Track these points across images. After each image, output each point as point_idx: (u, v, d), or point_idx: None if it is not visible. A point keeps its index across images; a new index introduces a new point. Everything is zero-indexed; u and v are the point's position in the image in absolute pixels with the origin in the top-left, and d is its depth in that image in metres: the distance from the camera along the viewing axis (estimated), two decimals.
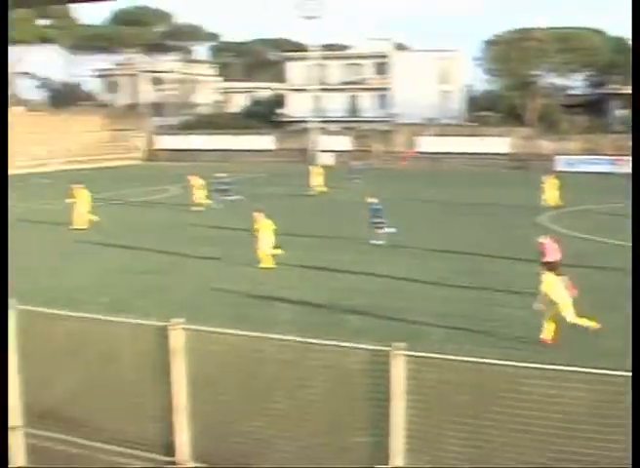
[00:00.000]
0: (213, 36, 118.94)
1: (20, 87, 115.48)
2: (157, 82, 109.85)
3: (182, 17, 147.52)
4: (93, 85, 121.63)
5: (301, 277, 24.23)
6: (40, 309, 9.98)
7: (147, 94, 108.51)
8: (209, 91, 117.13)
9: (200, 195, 41.68)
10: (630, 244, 7.48)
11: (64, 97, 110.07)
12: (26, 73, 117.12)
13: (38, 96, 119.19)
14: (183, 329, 8.95)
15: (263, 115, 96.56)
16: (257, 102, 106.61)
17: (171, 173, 68.38)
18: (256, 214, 26.53)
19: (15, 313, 9.84)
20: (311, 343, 8.57)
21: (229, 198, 42.76)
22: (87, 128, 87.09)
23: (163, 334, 8.95)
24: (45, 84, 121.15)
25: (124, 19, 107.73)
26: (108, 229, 34.31)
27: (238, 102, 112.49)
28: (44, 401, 9.96)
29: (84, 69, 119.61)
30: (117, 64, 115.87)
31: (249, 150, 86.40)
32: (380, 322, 18.29)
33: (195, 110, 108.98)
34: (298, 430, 8.66)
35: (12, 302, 9.84)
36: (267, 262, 25.58)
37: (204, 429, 9.04)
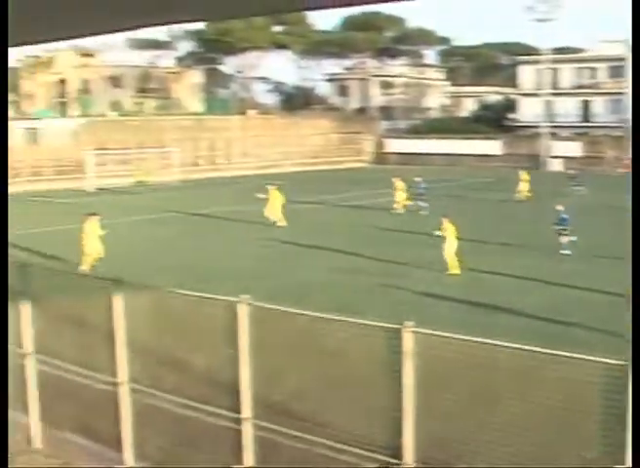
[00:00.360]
0: (444, 40, 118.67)
1: (254, 91, 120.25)
2: (386, 86, 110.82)
3: (414, 21, 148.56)
4: (323, 89, 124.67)
5: (498, 284, 24.19)
6: (270, 306, 10.21)
7: (377, 97, 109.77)
8: (437, 95, 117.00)
9: (401, 198, 42.44)
10: None
11: (296, 101, 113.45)
12: (261, 78, 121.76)
13: (271, 99, 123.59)
14: (413, 332, 8.89)
15: (492, 119, 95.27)
16: (485, 107, 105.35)
17: (396, 175, 68.71)
18: (443, 220, 26.69)
19: (247, 308, 10.16)
20: (548, 354, 8.24)
21: (422, 204, 42.74)
22: (317, 131, 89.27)
23: (394, 336, 8.93)
24: (277, 88, 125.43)
25: (355, 24, 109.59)
26: (301, 229, 36.00)
27: (466, 106, 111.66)
28: (273, 395, 10.22)
29: (315, 74, 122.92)
30: (347, 69, 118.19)
31: (475, 155, 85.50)
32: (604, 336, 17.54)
33: (424, 114, 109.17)
34: (519, 439, 8.39)
35: (245, 298, 10.17)
36: (454, 268, 25.69)
37: (427, 432, 8.95)
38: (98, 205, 43.75)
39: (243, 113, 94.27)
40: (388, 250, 30.08)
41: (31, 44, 11.45)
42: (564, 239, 29.06)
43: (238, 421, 10.41)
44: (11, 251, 29.79)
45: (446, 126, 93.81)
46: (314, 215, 42.20)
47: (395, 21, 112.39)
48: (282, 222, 37.14)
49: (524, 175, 49.75)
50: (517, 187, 49.20)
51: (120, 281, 11.61)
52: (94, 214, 27.44)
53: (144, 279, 12.55)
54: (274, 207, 37.81)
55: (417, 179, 43.59)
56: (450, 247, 25.92)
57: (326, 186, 56.32)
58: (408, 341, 8.85)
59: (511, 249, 30.60)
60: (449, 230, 26.08)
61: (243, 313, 10.12)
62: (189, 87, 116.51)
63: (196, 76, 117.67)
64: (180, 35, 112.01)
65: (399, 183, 42.90)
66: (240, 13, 9.83)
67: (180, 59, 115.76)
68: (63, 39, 9.34)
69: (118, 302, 11.56)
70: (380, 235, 34.50)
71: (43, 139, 75.22)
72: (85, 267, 25.41)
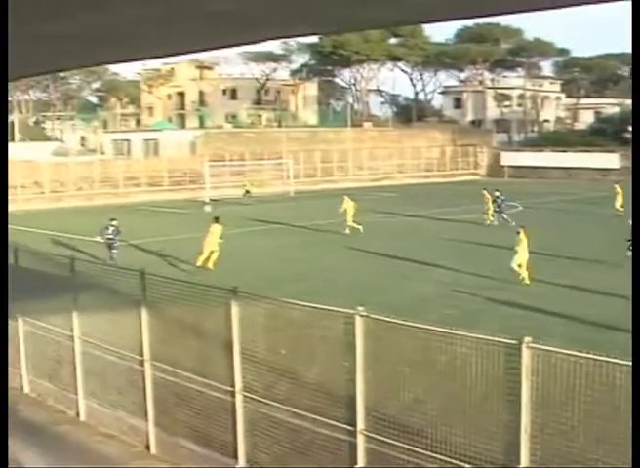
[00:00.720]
0: (562, 52, 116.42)
1: (369, 103, 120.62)
2: (502, 98, 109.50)
3: (532, 32, 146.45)
4: (438, 101, 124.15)
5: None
6: (385, 318, 10.18)
7: (492, 110, 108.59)
8: (553, 107, 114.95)
9: (489, 210, 42.80)
10: None
11: (410, 113, 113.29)
12: (376, 90, 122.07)
13: (385, 111, 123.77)
14: (529, 347, 8.73)
15: (610, 132, 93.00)
16: (603, 119, 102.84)
17: (510, 189, 67.77)
18: (520, 231, 26.89)
19: (362, 320, 10.16)
20: None
21: (503, 215, 42.61)
22: (431, 143, 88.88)
23: (511, 352, 8.80)
24: (392, 100, 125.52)
25: (470, 36, 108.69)
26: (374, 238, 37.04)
27: (584, 119, 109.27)
28: (387, 407, 10.19)
29: (430, 86, 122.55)
30: (462, 81, 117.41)
31: (593, 168, 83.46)
32: None
33: (540, 127, 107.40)
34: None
35: (359, 310, 10.18)
36: (524, 278, 25.98)
37: (545, 449, 8.77)
38: (212, 215, 44.44)
39: (358, 125, 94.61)
40: (482, 262, 29.75)
41: (150, 59, 11.83)
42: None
43: (351, 433, 10.41)
44: (142, 255, 30.84)
45: (562, 138, 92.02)
46: (419, 228, 41.96)
47: (512, 33, 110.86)
48: (355, 230, 38.64)
49: (618, 190, 48.62)
50: (618, 202, 48.07)
51: (236, 291, 11.77)
52: (217, 221, 30.06)
53: (254, 289, 12.66)
54: (350, 216, 39.52)
55: (496, 194, 43.46)
56: (520, 257, 26.12)
57: (436, 199, 55.92)
58: (528, 358, 8.70)
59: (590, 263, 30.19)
60: (522, 241, 26.25)
61: (359, 325, 10.13)
62: (304, 99, 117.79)
63: (311, 88, 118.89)
64: (295, 48, 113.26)
65: (488, 196, 43.27)
66: (357, 26, 9.87)
67: (295, 72, 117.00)
68: (181, 53, 9.54)
69: (235, 311, 11.73)
70: (476, 249, 34.08)
71: (162, 151, 77.13)
72: (201, 264, 28.75)
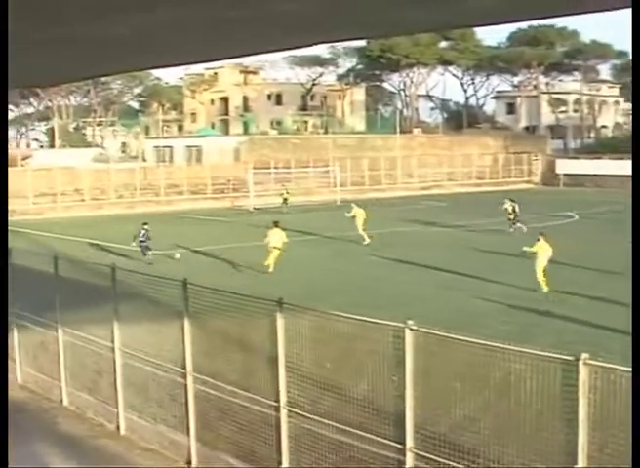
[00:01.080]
0: (621, 54, 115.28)
1: (419, 109, 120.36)
2: (557, 103, 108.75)
3: (589, 34, 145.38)
4: (490, 107, 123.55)
5: None
6: (436, 331, 10.13)
7: (547, 115, 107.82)
8: (611, 112, 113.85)
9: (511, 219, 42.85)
10: None
11: (461, 119, 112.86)
12: (425, 95, 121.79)
13: (435, 117, 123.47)
14: (587, 364, 8.65)
15: None
16: None
17: (565, 198, 67.26)
18: (540, 238, 27.04)
19: (412, 334, 10.13)
20: None
21: (517, 225, 42.34)
22: (483, 150, 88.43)
23: (568, 369, 8.72)
24: (442, 106, 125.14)
25: (524, 39, 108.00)
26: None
27: None
28: (437, 425, 10.14)
29: (481, 91, 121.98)
30: (515, 85, 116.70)
31: None
32: None
33: (597, 133, 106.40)
34: None
35: (409, 323, 10.15)
36: (544, 286, 26.29)
37: None
38: (257, 223, 44.73)
39: (407, 132, 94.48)
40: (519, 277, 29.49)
41: (195, 63, 11.93)
42: None
43: (400, 450, 10.37)
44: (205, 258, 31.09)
45: (621, 145, 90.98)
46: (467, 239, 41.74)
47: (568, 35, 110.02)
48: (365, 241, 38.87)
49: None
50: None
51: (281, 302, 11.80)
52: (277, 225, 31.73)
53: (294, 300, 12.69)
54: (361, 225, 39.80)
55: (512, 203, 43.11)
56: (539, 264, 26.51)
57: (486, 209, 55.52)
58: (584, 374, 8.62)
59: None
60: (542, 248, 26.59)
61: (409, 339, 10.10)
62: (352, 104, 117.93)
63: (359, 93, 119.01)
64: (342, 52, 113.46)
65: (510, 205, 43.13)
66: (407, 29, 9.85)
67: (342, 77, 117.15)
68: (228, 58, 9.62)
69: (280, 323, 11.76)
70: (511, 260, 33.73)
71: (205, 157, 77.66)
72: (269, 264, 30.94)
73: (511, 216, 42.59)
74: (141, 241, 33.69)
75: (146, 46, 7.39)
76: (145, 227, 33.96)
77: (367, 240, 38.77)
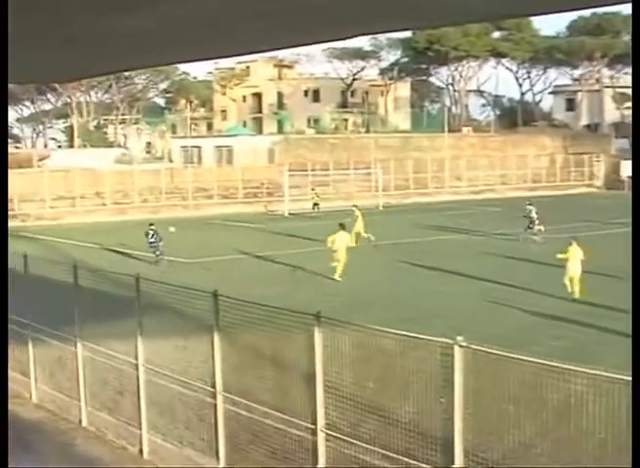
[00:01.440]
0: None
1: (469, 105, 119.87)
2: (622, 98, 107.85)
3: None
4: (548, 103, 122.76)
5: None
6: (488, 349, 10.09)
7: (611, 112, 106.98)
8: None
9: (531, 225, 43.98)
10: None
11: (516, 117, 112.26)
12: (476, 90, 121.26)
13: (487, 115, 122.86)
14: None
15: None
16: None
17: (629, 204, 66.47)
18: (573, 243, 27.97)
19: (461, 351, 10.10)
20: None
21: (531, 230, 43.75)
22: (540, 151, 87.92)
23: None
24: (495, 102, 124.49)
25: (586, 28, 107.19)
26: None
27: None
28: (489, 451, 10.10)
29: (538, 85, 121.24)
30: (576, 79, 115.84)
31: None
32: None
33: None
34: None
35: (458, 339, 10.11)
36: (575, 292, 27.17)
37: None
38: (290, 231, 44.89)
39: (456, 131, 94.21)
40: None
41: (228, 57, 11.93)
42: None
43: None
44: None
45: None
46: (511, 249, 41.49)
47: None
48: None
49: None
50: None
51: (319, 316, 11.80)
52: (343, 228, 32.69)
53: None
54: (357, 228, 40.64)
55: (529, 207, 44.23)
56: (570, 270, 27.37)
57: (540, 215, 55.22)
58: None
59: None
60: (573, 254, 27.47)
61: (458, 357, 10.07)
62: (395, 101, 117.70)
63: (403, 89, 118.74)
64: (385, 44, 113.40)
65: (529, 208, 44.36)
66: (457, 20, 9.79)
67: (385, 71, 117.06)
68: (264, 51, 9.67)
69: (318, 339, 11.76)
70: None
71: (236, 158, 77.81)
72: (337, 275, 31.66)
73: (532, 224, 43.79)
74: (151, 243, 35.89)
75: (175, 39, 7.44)
76: (152, 228, 36.20)
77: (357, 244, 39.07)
